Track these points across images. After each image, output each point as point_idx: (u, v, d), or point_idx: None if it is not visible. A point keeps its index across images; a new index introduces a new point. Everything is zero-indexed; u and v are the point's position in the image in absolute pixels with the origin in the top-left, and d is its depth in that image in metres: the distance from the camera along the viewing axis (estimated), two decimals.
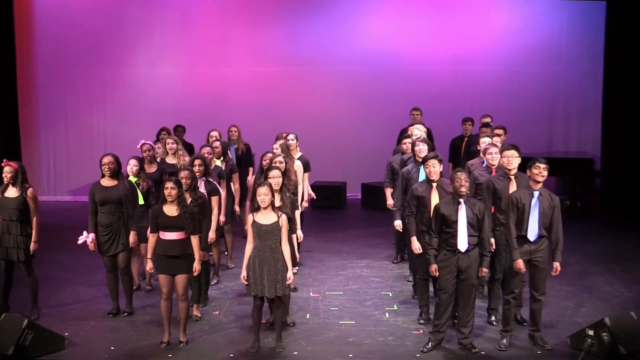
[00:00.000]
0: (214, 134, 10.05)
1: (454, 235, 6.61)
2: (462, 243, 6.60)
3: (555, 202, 6.74)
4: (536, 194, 6.67)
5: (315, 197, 10.12)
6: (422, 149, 7.96)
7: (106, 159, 7.67)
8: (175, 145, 9.18)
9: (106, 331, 7.42)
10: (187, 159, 9.04)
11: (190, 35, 14.50)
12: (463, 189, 6.59)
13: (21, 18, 14.15)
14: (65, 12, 14.39)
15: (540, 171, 6.66)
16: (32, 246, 7.58)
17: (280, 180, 7.15)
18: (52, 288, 8.68)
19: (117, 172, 7.68)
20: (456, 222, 6.58)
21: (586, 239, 11.10)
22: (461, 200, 6.62)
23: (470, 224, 6.59)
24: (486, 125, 10.27)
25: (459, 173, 6.68)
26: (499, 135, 8.83)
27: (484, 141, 8.13)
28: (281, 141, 9.26)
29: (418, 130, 9.05)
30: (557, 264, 6.76)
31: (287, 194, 7.35)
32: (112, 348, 6.94)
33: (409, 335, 7.21)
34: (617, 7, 12.83)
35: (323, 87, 14.48)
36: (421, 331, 7.27)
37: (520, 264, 6.67)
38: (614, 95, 12.97)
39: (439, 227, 6.68)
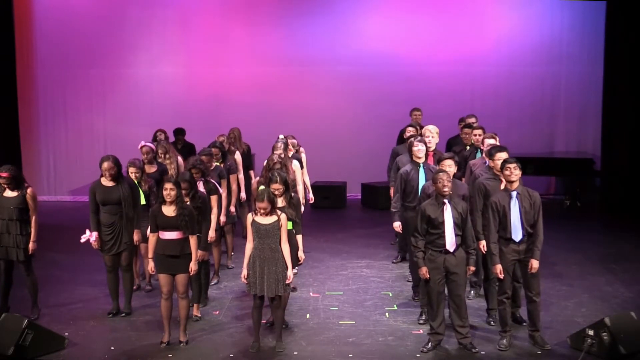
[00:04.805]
0: (222, 139, 10.14)
1: (442, 236, 6.61)
2: (450, 243, 6.61)
3: (535, 199, 6.70)
4: (514, 194, 6.66)
5: (312, 200, 10.17)
6: (421, 149, 7.95)
7: (106, 165, 7.61)
8: (163, 155, 9.25)
9: (106, 331, 7.42)
10: (174, 165, 9.15)
11: (190, 35, 14.49)
12: (446, 189, 6.59)
13: (21, 18, 14.15)
14: (65, 12, 14.38)
15: (512, 171, 6.65)
16: (30, 246, 7.57)
17: (282, 189, 7.13)
18: (52, 288, 8.68)
19: (117, 175, 7.67)
20: (443, 222, 6.59)
21: (586, 239, 11.10)
22: (445, 200, 6.62)
23: (456, 224, 6.61)
24: (468, 126, 9.98)
25: (440, 173, 6.69)
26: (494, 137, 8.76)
27: (488, 142, 8.11)
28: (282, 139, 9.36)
29: (429, 132, 8.67)
30: (533, 261, 6.63)
31: (293, 195, 7.35)
32: (112, 348, 6.94)
33: (409, 335, 7.20)
34: (617, 7, 12.82)
35: (323, 87, 14.47)
36: (421, 331, 7.26)
37: (498, 269, 6.68)
38: (614, 95, 12.96)
39: (424, 229, 6.68)
